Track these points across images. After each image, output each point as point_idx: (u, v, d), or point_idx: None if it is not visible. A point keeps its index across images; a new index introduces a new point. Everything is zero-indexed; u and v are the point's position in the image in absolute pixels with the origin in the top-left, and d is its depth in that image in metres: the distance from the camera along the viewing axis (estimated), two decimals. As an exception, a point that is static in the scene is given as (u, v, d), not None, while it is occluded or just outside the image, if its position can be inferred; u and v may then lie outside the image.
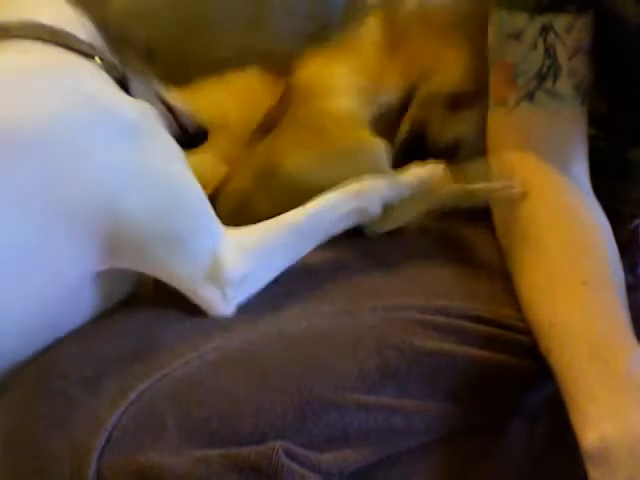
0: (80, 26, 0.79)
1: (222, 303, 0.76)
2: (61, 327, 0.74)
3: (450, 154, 0.92)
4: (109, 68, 0.79)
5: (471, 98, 0.92)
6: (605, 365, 0.71)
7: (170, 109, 0.87)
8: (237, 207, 0.87)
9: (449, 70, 0.93)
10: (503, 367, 0.80)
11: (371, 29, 0.97)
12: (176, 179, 0.76)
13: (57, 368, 0.71)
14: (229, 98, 0.98)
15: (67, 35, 0.76)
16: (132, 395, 0.68)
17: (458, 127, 0.93)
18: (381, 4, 1.04)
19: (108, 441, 0.67)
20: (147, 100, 0.80)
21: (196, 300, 0.76)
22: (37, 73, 0.74)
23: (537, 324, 0.77)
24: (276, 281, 0.79)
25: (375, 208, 0.82)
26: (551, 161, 0.83)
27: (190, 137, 0.87)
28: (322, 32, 1.10)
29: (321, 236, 0.81)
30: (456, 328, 0.79)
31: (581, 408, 0.71)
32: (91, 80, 0.76)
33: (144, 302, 0.77)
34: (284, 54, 1.07)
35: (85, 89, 0.74)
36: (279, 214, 0.80)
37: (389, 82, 0.94)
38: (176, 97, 0.88)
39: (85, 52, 0.77)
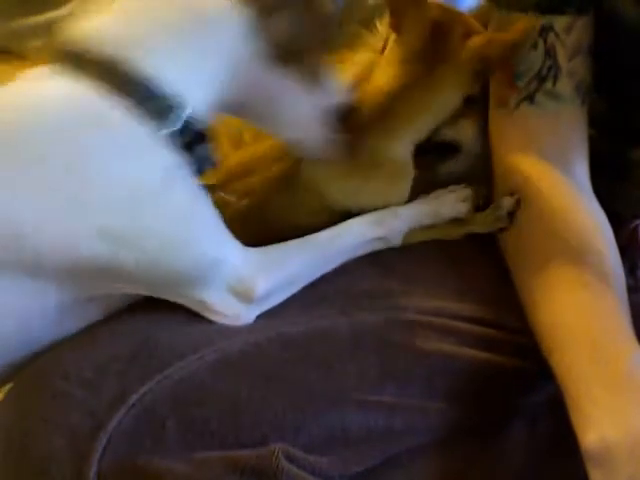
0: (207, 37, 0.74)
1: (242, 318, 0.77)
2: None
3: (446, 156, 0.92)
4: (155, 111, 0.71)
5: (474, 103, 0.92)
6: (606, 366, 0.71)
7: None
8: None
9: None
10: (503, 368, 0.80)
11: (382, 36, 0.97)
12: (185, 217, 0.73)
13: (58, 369, 0.70)
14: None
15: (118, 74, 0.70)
16: (133, 397, 0.69)
17: (456, 128, 0.92)
18: (379, 4, 1.04)
19: (109, 443, 0.67)
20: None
21: (211, 315, 0.76)
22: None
23: (538, 325, 0.77)
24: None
25: (396, 238, 0.85)
26: (552, 162, 0.82)
27: None
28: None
29: (341, 259, 0.83)
30: (456, 329, 0.79)
31: (582, 409, 0.71)
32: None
33: (145, 304, 0.76)
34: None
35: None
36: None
37: None
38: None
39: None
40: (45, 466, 0.67)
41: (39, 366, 0.72)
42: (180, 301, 0.76)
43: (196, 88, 0.73)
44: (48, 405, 0.69)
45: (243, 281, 0.76)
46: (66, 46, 0.72)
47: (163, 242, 0.71)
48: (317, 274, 0.81)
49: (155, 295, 0.75)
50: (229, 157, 0.88)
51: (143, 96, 0.70)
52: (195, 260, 0.74)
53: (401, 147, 0.85)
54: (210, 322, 0.76)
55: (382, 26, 0.95)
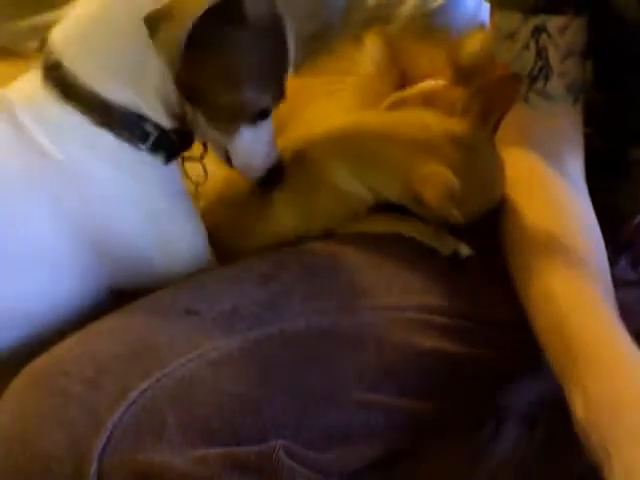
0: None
1: None
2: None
3: None
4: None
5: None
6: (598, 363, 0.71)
7: None
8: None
9: None
10: (503, 366, 0.80)
11: (370, 52, 0.97)
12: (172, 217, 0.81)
13: (58, 367, 0.71)
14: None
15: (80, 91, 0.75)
16: (133, 394, 0.69)
17: None
18: (379, 6, 1.04)
19: (109, 440, 0.67)
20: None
21: None
22: None
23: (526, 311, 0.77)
24: (276, 280, 0.80)
25: None
26: (543, 157, 0.83)
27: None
28: (323, 32, 1.10)
29: None
30: (455, 327, 0.80)
31: (570, 391, 0.70)
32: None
33: (145, 302, 0.77)
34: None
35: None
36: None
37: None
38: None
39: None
40: (46, 463, 0.67)
41: (39, 364, 0.72)
42: None
43: (150, 103, 0.77)
44: (49, 402, 0.69)
45: None
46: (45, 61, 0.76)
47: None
48: None
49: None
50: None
51: (122, 122, 0.76)
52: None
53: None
54: (209, 318, 0.75)
55: (369, 42, 0.95)
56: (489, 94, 0.80)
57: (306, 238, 0.85)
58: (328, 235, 0.86)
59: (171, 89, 0.76)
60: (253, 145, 0.80)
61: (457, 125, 0.81)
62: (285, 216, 0.85)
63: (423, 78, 0.92)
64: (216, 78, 0.75)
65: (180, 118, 0.79)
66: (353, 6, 1.10)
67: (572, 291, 0.74)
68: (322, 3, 1.10)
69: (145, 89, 0.76)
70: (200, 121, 0.78)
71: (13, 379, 0.72)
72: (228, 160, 0.82)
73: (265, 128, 0.80)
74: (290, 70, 0.79)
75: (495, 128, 0.81)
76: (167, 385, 0.69)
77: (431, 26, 1.12)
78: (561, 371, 0.72)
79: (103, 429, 0.67)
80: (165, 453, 0.67)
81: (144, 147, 0.77)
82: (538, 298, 0.75)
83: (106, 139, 0.76)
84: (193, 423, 0.68)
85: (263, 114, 0.79)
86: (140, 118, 0.76)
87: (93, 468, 0.66)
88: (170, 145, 0.79)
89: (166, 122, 0.78)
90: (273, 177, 0.83)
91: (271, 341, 0.74)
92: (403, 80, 0.94)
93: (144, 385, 0.69)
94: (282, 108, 0.83)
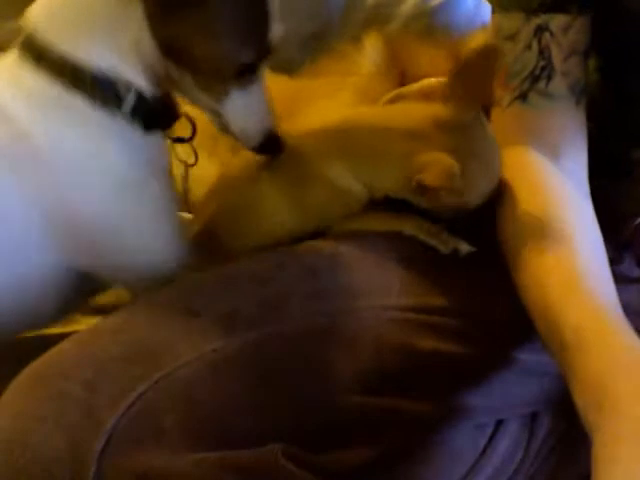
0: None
1: None
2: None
3: None
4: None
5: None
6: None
7: None
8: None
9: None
10: (503, 365, 0.80)
11: (369, 52, 0.96)
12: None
13: (58, 369, 0.71)
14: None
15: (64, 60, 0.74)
16: (132, 396, 0.69)
17: None
18: (379, 5, 1.04)
19: (108, 442, 0.67)
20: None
21: None
22: None
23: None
24: (275, 281, 0.80)
25: None
26: (540, 152, 0.82)
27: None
28: (323, 31, 1.10)
29: None
30: (455, 328, 0.79)
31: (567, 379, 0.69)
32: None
33: (143, 302, 0.77)
34: (285, 54, 1.07)
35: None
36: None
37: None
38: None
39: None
40: (45, 465, 0.67)
41: (38, 366, 0.72)
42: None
43: (128, 65, 0.75)
44: (48, 405, 0.69)
45: None
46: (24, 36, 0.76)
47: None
48: None
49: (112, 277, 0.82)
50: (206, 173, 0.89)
51: (95, 85, 0.74)
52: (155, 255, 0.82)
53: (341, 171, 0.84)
54: (209, 321, 0.75)
55: (369, 43, 0.95)
56: (468, 73, 0.80)
57: (302, 237, 0.84)
58: (324, 233, 0.85)
59: (151, 48, 0.74)
60: (246, 109, 0.78)
61: (444, 111, 0.81)
62: (279, 213, 0.85)
63: (423, 78, 0.92)
64: (195, 30, 0.73)
65: (164, 84, 0.77)
66: (353, 5, 1.10)
67: (565, 287, 0.73)
68: (322, 3, 1.10)
69: (122, 47, 0.74)
70: (188, 84, 0.77)
71: (12, 380, 0.72)
72: (225, 128, 0.80)
73: (256, 90, 0.79)
74: (274, 26, 0.77)
75: (484, 104, 0.81)
76: (166, 387, 0.70)
77: (431, 25, 1.11)
78: (559, 361, 0.71)
79: (102, 431, 0.67)
80: (164, 455, 0.67)
81: (120, 113, 0.75)
82: (535, 298, 0.75)
83: (79, 104, 0.74)
84: (192, 425, 0.68)
85: (248, 71, 0.77)
86: (114, 81, 0.74)
87: (93, 470, 0.66)
88: (148, 112, 0.77)
89: (144, 84, 0.76)
90: (272, 145, 0.82)
91: (270, 342, 0.74)
92: (403, 80, 0.94)
93: (143, 387, 0.69)
94: (281, 109, 0.83)
